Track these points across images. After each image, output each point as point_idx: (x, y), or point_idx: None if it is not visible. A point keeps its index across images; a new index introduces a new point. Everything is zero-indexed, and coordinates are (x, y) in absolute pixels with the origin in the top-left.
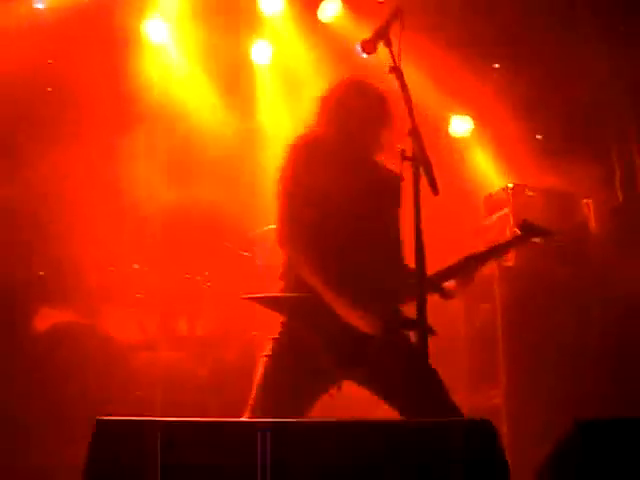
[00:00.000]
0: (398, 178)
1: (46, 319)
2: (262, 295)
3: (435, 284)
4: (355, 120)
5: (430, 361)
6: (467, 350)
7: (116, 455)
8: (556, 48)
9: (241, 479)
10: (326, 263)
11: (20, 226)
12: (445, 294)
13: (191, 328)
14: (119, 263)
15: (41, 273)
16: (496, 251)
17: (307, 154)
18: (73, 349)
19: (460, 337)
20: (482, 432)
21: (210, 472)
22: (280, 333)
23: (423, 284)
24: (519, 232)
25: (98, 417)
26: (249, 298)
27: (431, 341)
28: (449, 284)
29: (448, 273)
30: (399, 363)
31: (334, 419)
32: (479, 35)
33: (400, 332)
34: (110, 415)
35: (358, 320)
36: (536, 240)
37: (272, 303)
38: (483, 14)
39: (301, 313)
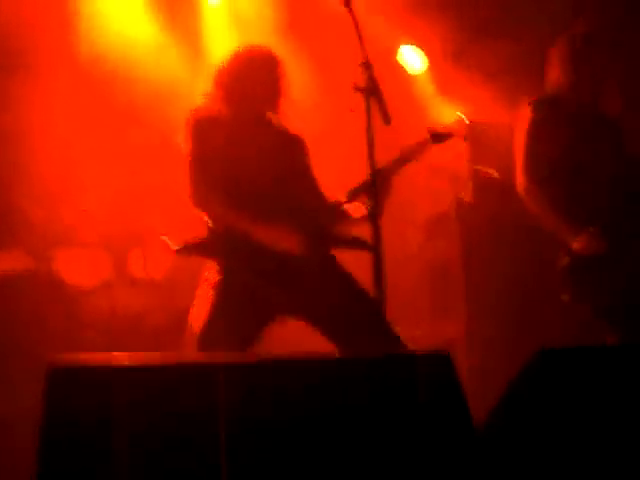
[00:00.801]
0: (299, 139)
1: None
2: (191, 243)
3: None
4: (245, 87)
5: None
6: (426, 286)
7: (75, 405)
8: None
9: (201, 419)
10: (243, 205)
11: None
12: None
13: (145, 270)
14: (69, 205)
15: None
16: (404, 159)
17: (203, 123)
18: (22, 292)
19: (419, 274)
20: (439, 364)
21: (168, 415)
22: (214, 280)
23: (377, 216)
24: (426, 137)
25: (50, 364)
26: (180, 250)
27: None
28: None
29: (360, 191)
30: (334, 286)
31: (285, 356)
32: None
33: (330, 255)
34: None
35: (284, 241)
36: (443, 142)
37: (203, 249)
38: None
39: (232, 252)
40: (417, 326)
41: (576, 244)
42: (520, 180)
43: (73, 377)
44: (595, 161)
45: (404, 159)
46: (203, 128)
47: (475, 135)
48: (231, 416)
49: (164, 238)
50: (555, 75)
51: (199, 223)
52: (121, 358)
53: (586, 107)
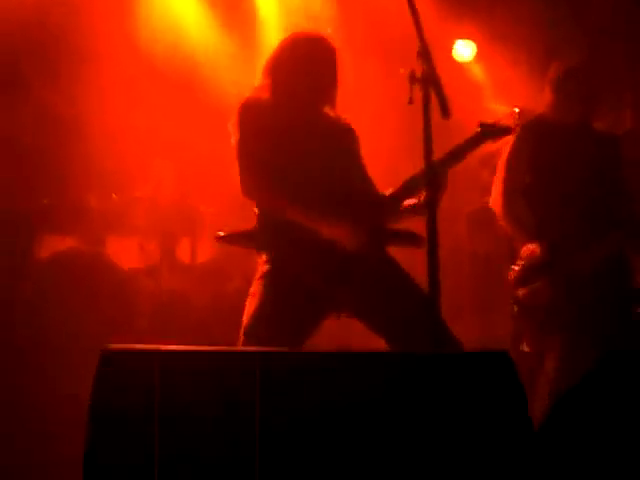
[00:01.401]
0: (349, 128)
1: (49, 246)
2: (238, 232)
3: (401, 200)
4: (298, 78)
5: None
6: (470, 278)
7: (122, 387)
8: None
9: (240, 411)
10: (295, 194)
11: (22, 155)
12: (415, 209)
13: (193, 255)
14: (121, 190)
15: (45, 201)
16: (459, 152)
17: (253, 113)
18: (76, 276)
19: (464, 264)
20: (499, 365)
21: (208, 402)
22: (264, 270)
23: (434, 211)
24: (479, 130)
25: (102, 348)
26: (222, 237)
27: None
28: (415, 200)
29: (413, 185)
30: (387, 284)
31: (334, 350)
32: None
33: (386, 251)
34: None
35: (337, 233)
36: (496, 138)
37: (248, 239)
38: None
39: (281, 244)
40: (464, 321)
41: (522, 293)
42: (493, 193)
43: (122, 360)
44: (576, 185)
45: (457, 154)
46: (252, 117)
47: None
48: (269, 405)
49: (219, 233)
50: (546, 97)
51: (251, 213)
52: (165, 346)
53: (572, 128)
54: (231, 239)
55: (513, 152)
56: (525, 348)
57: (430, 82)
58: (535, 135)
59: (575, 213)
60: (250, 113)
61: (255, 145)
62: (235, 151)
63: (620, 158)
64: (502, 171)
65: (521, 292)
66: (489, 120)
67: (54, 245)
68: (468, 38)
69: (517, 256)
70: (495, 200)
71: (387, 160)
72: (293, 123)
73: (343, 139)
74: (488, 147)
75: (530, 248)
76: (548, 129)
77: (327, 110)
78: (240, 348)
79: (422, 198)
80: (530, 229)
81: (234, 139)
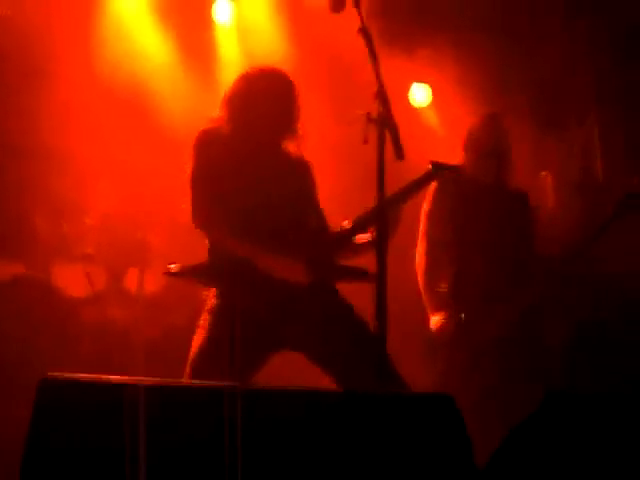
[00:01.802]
0: (304, 163)
1: None
2: (187, 266)
3: (353, 236)
4: (256, 112)
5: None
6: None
7: (60, 417)
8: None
9: (205, 445)
10: (245, 230)
11: None
12: (367, 245)
13: (141, 285)
14: (71, 217)
15: None
16: (410, 190)
17: (208, 144)
18: (20, 303)
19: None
20: (443, 407)
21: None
22: (213, 304)
23: (384, 248)
24: (429, 169)
25: (41, 377)
26: (172, 272)
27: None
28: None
29: (364, 222)
30: (336, 321)
31: (293, 387)
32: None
33: (334, 287)
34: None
35: (287, 271)
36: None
37: (199, 274)
38: None
39: (231, 278)
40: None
41: (433, 323)
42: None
43: (60, 390)
44: (493, 240)
45: (408, 191)
46: (208, 149)
47: None
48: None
49: (171, 266)
50: (463, 156)
51: (202, 246)
52: (107, 376)
53: (484, 184)
54: (180, 273)
55: (433, 205)
56: None
57: (385, 124)
58: (452, 189)
59: (487, 269)
60: (205, 145)
61: (208, 177)
62: (188, 182)
63: (530, 214)
64: (424, 224)
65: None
66: (439, 159)
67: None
68: (424, 82)
69: None
70: (419, 260)
71: (341, 196)
72: (247, 157)
73: (297, 174)
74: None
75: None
76: (463, 184)
77: (283, 145)
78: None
79: (374, 233)
80: (442, 299)
81: (188, 169)
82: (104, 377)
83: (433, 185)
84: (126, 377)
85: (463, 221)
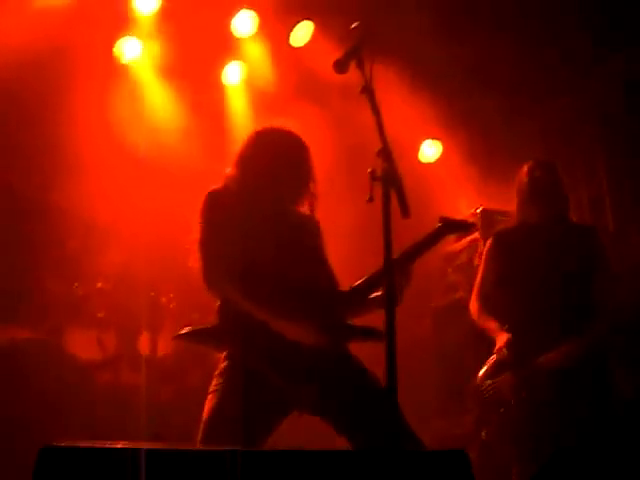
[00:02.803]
0: (313, 222)
1: (6, 335)
2: (197, 329)
3: (364, 295)
4: (265, 171)
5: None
6: (436, 374)
7: None
8: (526, 74)
9: None
10: (257, 290)
11: None
12: (378, 303)
13: (153, 348)
14: (83, 280)
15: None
16: (420, 248)
17: (216, 205)
18: (32, 368)
19: (429, 361)
20: (456, 463)
21: None
22: (223, 367)
23: (393, 306)
24: (440, 225)
25: (43, 445)
26: (182, 336)
27: (399, 363)
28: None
29: (375, 281)
30: (349, 383)
31: (299, 448)
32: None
33: (347, 349)
34: (67, 439)
35: (301, 333)
36: (457, 234)
37: (208, 337)
38: (454, 39)
39: (243, 340)
40: (431, 417)
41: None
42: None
43: (61, 458)
44: (552, 276)
45: (419, 248)
46: (216, 210)
47: (487, 226)
48: None
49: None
50: (515, 199)
51: (214, 308)
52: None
53: (546, 226)
54: (191, 337)
55: (486, 258)
56: (484, 436)
57: (390, 181)
58: (504, 240)
59: (550, 308)
60: (215, 204)
61: (217, 236)
62: (197, 241)
63: (596, 246)
64: (478, 275)
65: (486, 384)
66: (450, 215)
67: (11, 334)
68: (435, 138)
69: (483, 352)
70: (472, 303)
71: (351, 255)
72: (257, 217)
73: (306, 233)
74: (452, 246)
75: (500, 342)
76: (519, 232)
77: (293, 204)
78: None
79: (384, 292)
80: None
81: (197, 229)
82: (104, 443)
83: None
84: (127, 442)
85: (520, 265)
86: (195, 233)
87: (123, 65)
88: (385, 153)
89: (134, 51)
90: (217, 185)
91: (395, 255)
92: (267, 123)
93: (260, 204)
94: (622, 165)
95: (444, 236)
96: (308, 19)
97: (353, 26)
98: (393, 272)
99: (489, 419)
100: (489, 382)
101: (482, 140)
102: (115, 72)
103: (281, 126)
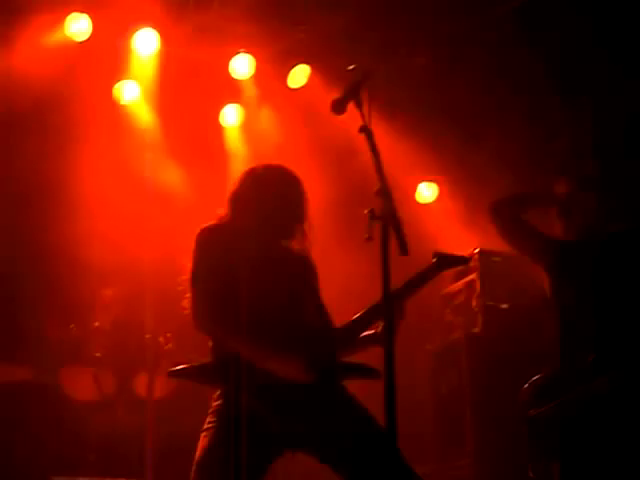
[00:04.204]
0: (307, 260)
1: (2, 376)
2: (190, 367)
3: (358, 332)
4: (259, 208)
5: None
6: (433, 416)
7: None
8: (523, 119)
9: None
10: (246, 328)
11: None
12: (373, 340)
13: (150, 389)
14: (80, 320)
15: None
16: (414, 284)
17: (210, 241)
18: (28, 409)
19: (426, 402)
20: None
21: None
22: (216, 406)
23: (392, 344)
24: (434, 261)
25: None
26: (176, 372)
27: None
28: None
29: (371, 316)
30: (344, 418)
31: None
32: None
33: (341, 385)
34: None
35: (289, 369)
36: (451, 268)
37: (201, 374)
38: (449, 82)
39: (235, 378)
40: (427, 458)
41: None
42: None
43: None
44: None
45: (413, 284)
46: (209, 247)
47: (485, 267)
48: None
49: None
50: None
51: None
52: None
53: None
54: (183, 374)
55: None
56: (530, 474)
57: (389, 220)
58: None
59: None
60: (206, 242)
61: (208, 275)
62: (190, 279)
63: None
64: None
65: (533, 412)
66: (443, 250)
67: (7, 375)
68: (431, 180)
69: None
70: None
71: (345, 291)
72: (249, 254)
73: (300, 271)
74: (450, 286)
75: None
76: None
77: (286, 241)
78: None
79: (380, 329)
80: None
81: (190, 266)
82: None
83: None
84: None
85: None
86: (187, 270)
87: (122, 106)
88: (384, 192)
89: (132, 93)
90: (210, 222)
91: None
92: (261, 162)
93: (252, 242)
94: None
95: (439, 272)
96: (305, 62)
97: (351, 67)
98: (393, 310)
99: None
100: (534, 411)
101: (478, 181)
102: (114, 113)
103: (273, 163)
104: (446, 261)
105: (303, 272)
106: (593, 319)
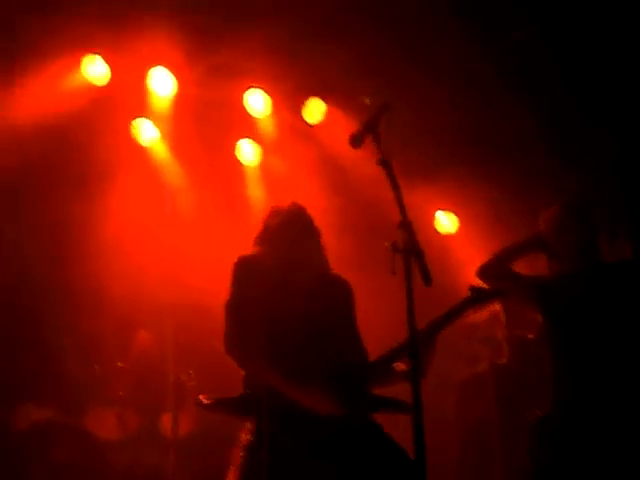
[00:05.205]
0: (347, 285)
1: (26, 417)
2: (221, 398)
3: (389, 366)
4: (280, 239)
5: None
6: (460, 447)
7: None
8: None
9: None
10: (279, 360)
11: (3, 322)
12: (404, 375)
13: (175, 427)
14: (103, 360)
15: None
16: (447, 319)
17: (248, 270)
18: (52, 448)
19: (452, 433)
20: None
21: None
22: (247, 441)
23: (418, 378)
24: (470, 295)
25: None
26: (205, 405)
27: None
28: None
29: (401, 352)
30: (375, 452)
31: None
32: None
33: (372, 419)
34: None
35: (321, 404)
36: (487, 303)
37: (232, 406)
38: (468, 114)
39: (267, 412)
40: None
41: None
42: None
43: None
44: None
45: (448, 318)
46: (246, 275)
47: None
48: None
49: (201, 397)
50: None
51: (235, 385)
52: None
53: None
54: (214, 406)
55: None
56: None
57: (412, 252)
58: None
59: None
60: (243, 270)
61: (243, 305)
62: (224, 305)
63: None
64: None
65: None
66: (480, 286)
67: (32, 415)
68: (450, 210)
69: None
70: None
71: (377, 327)
72: (284, 285)
73: (337, 301)
74: (474, 317)
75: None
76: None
77: (322, 268)
78: None
79: (410, 364)
80: None
81: (226, 296)
82: None
83: None
84: None
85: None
86: (224, 296)
87: (141, 146)
88: (405, 225)
89: (151, 133)
90: (242, 258)
91: (420, 326)
92: (280, 200)
93: (280, 272)
94: None
95: (474, 305)
96: (320, 98)
97: (367, 101)
98: (417, 342)
99: None
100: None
101: (499, 208)
102: (134, 152)
103: (289, 203)
104: (482, 295)
105: (340, 300)
106: (565, 357)
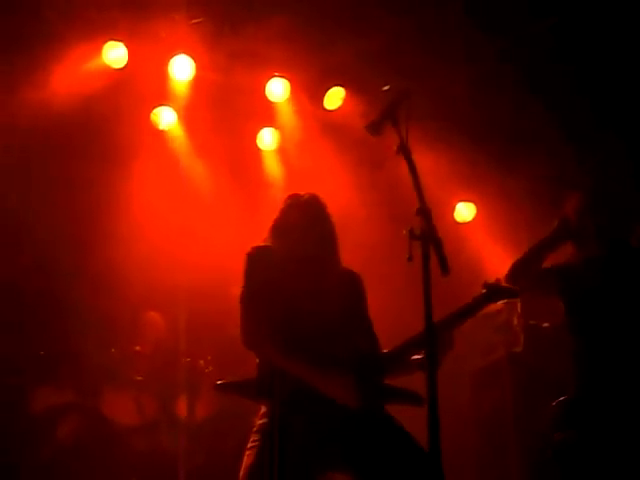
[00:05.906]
0: (357, 276)
1: (44, 400)
2: (237, 381)
3: (404, 356)
4: (292, 231)
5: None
6: (475, 435)
7: None
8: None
9: None
10: (297, 347)
11: (21, 305)
12: (419, 366)
13: (191, 412)
14: (120, 344)
15: (42, 353)
16: (463, 314)
17: (260, 261)
18: (71, 430)
19: (467, 421)
20: None
21: None
22: (261, 424)
23: (434, 369)
24: (485, 292)
25: None
26: (222, 386)
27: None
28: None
29: (417, 343)
30: (388, 441)
31: None
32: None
33: (385, 409)
34: None
35: (337, 389)
36: (502, 300)
37: (247, 389)
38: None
39: (279, 396)
40: (469, 477)
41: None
42: None
43: None
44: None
45: (461, 315)
46: (260, 265)
47: None
48: None
49: (218, 381)
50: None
51: (251, 369)
52: None
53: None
54: (230, 388)
55: None
56: None
57: (429, 239)
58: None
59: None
60: (256, 261)
61: (258, 295)
62: (239, 297)
63: None
64: None
65: (557, 437)
66: (493, 282)
67: (49, 398)
68: (469, 200)
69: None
70: None
71: (393, 315)
72: (297, 275)
73: (348, 291)
74: (490, 306)
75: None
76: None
77: (334, 262)
78: None
79: (424, 356)
80: None
81: (240, 286)
82: None
83: None
84: None
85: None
86: (237, 289)
87: (160, 131)
88: (423, 212)
89: (169, 118)
90: (254, 248)
91: (437, 319)
92: (297, 189)
93: (299, 262)
94: None
95: (488, 302)
96: (340, 85)
97: (385, 88)
98: (434, 332)
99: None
100: (559, 435)
101: (516, 200)
102: (152, 138)
103: (304, 193)
104: (496, 292)
105: (352, 291)
106: (587, 342)
